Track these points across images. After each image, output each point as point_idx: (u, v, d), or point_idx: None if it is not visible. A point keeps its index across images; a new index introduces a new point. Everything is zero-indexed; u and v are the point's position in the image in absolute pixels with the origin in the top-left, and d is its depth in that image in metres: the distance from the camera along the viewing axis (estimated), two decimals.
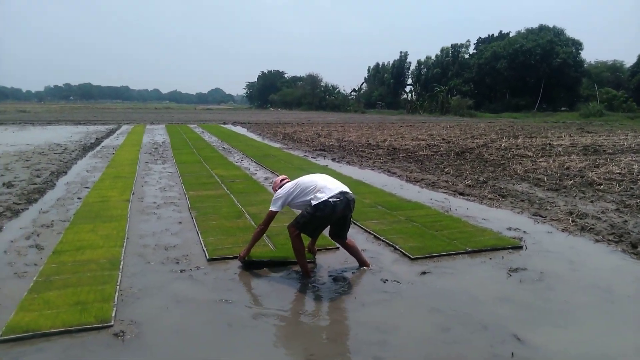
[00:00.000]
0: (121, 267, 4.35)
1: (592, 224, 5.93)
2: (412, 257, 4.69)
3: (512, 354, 2.96)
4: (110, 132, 22.71)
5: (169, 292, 3.88)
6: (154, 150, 14.74)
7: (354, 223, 5.97)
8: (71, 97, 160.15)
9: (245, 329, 3.30)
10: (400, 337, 3.21)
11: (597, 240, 5.35)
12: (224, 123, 32.53)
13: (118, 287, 3.90)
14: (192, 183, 8.69)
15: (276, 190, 4.38)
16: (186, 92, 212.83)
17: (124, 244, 5.00)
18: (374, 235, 5.44)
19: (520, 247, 5.07)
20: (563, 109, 50.71)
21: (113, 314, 3.41)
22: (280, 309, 3.61)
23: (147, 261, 4.60)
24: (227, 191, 7.89)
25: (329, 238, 4.54)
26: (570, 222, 6.07)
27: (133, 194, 7.77)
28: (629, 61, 54.92)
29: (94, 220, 5.94)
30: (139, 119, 37.46)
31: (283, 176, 4.61)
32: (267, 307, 3.64)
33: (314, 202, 4.07)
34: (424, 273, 4.32)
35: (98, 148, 15.56)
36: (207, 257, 4.65)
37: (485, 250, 4.93)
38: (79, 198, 7.46)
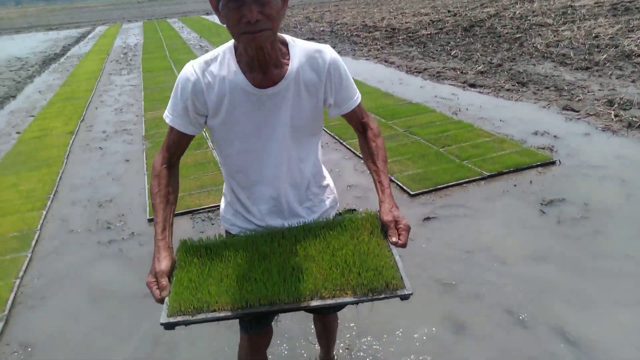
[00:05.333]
0: (33, 243, 3.35)
1: None
2: (411, 192, 3.59)
3: None
4: (82, 37, 20.61)
5: (85, 283, 2.90)
6: (122, 56, 13.07)
7: (340, 143, 4.81)
8: None
9: (177, 345, 2.35)
10: (399, 349, 2.24)
11: None
12: (207, 13, 29.58)
13: (19, 281, 2.92)
14: (154, 100, 7.36)
15: None
16: None
17: (48, 205, 3.95)
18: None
19: (553, 163, 3.92)
20: None
21: None
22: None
23: (71, 229, 3.58)
24: None
25: None
26: (613, 117, 4.81)
27: (82, 120, 6.55)
28: None
29: (22, 167, 4.84)
30: (117, 17, 34.40)
31: None
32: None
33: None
34: (427, 219, 3.25)
35: (62, 59, 13.91)
36: (148, 217, 3.61)
37: (507, 172, 3.80)
38: (17, 133, 6.28)
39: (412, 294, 1.13)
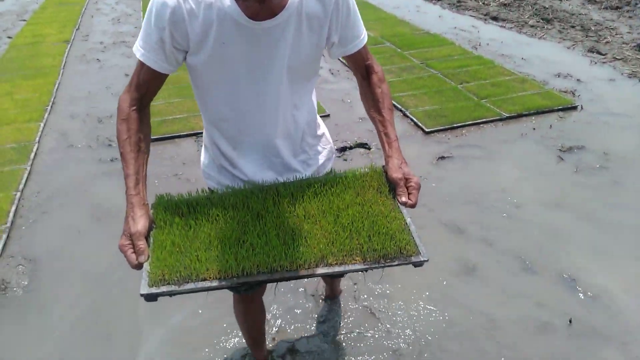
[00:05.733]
0: (32, 156, 3.24)
1: None
2: (426, 129, 3.45)
3: (570, 322, 1.99)
4: None
5: (88, 200, 2.83)
6: None
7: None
8: None
9: None
10: (405, 287, 2.23)
11: None
12: None
13: (19, 194, 2.84)
14: None
15: None
16: None
17: (45, 117, 3.78)
18: None
19: (574, 108, 3.76)
20: None
21: None
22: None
23: (70, 144, 3.45)
24: None
25: None
26: None
27: (77, 29, 6.18)
28: None
29: (16, 74, 4.61)
30: None
31: None
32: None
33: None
34: (441, 158, 3.15)
35: None
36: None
37: (527, 115, 3.64)
38: (8, 37, 5.94)
39: (427, 260, 1.01)
